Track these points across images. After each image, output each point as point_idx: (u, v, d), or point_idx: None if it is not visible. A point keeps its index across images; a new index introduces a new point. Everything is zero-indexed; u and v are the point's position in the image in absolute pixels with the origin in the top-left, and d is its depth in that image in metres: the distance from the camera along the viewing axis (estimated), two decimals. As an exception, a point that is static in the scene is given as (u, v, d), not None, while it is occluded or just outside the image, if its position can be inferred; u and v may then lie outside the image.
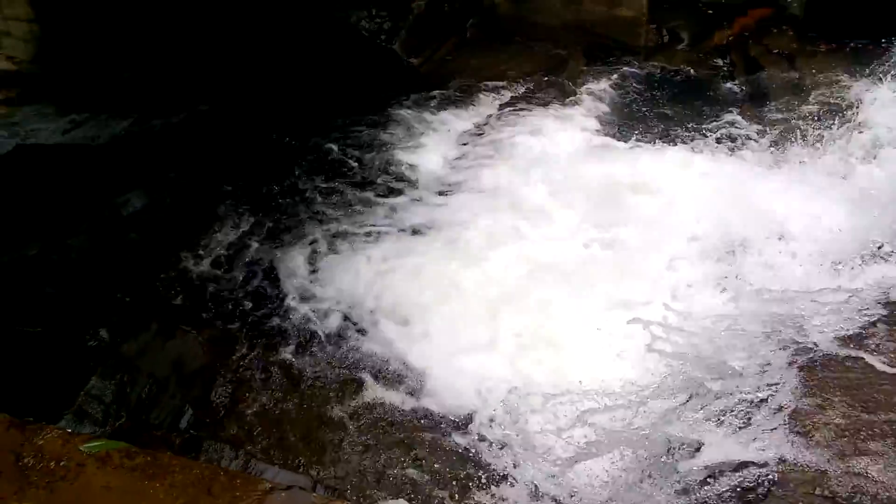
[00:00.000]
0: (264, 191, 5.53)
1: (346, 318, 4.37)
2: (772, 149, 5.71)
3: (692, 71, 7.36)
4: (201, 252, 4.77)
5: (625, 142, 6.11)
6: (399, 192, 5.59)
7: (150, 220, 4.53)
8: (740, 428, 3.26)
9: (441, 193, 5.58)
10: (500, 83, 7.05)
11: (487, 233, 4.98)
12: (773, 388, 3.39)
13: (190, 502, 1.81)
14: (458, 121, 6.58)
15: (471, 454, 3.52)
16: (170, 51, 7.31)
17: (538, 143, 6.06)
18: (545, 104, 6.68)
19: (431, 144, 6.23)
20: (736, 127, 6.17)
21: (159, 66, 7.18)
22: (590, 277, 4.53)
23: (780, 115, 6.22)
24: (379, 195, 5.55)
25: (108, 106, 6.75)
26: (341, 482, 3.33)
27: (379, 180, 5.72)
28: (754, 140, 5.89)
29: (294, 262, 4.86)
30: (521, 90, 6.97)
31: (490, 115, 6.59)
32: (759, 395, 3.39)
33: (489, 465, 3.47)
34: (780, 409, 3.27)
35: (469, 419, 3.69)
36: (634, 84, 7.20)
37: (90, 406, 3.09)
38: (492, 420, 3.66)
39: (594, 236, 4.93)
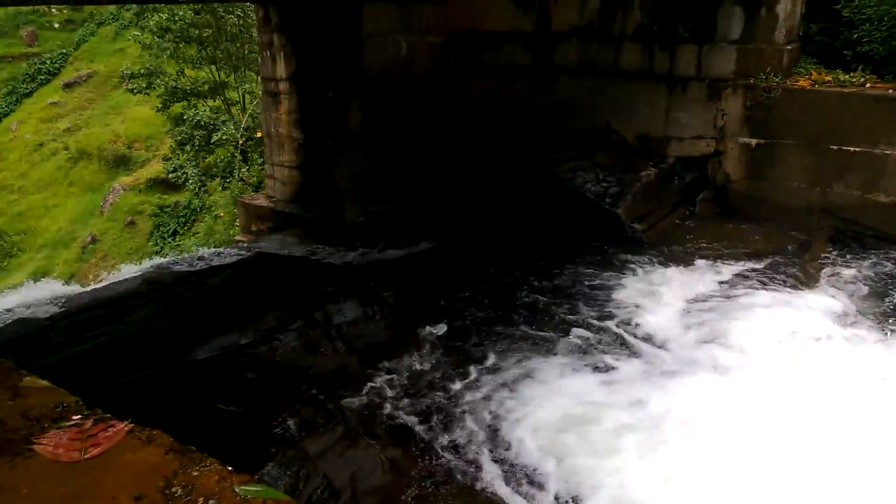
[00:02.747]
0: (475, 327, 5.44)
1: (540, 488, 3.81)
2: None
3: (962, 271, 6.42)
4: (401, 371, 4.68)
5: (876, 338, 5.29)
6: (609, 356, 5.14)
7: (357, 331, 4.60)
8: None
9: (651, 367, 5.00)
10: (729, 259, 6.59)
11: (705, 434, 4.16)
12: None
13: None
14: (680, 292, 6.13)
15: None
16: (405, 198, 7.89)
17: (768, 327, 5.37)
18: (779, 287, 6.05)
19: (649, 310, 5.81)
20: None
21: (390, 211, 7.74)
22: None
23: None
24: (591, 353, 5.16)
25: (342, 242, 7.30)
26: None
27: (591, 336, 5.38)
28: None
29: (493, 404, 4.53)
30: (753, 268, 6.42)
31: (715, 291, 6.08)
32: None
33: None
34: None
35: None
36: (890, 276, 6.37)
37: (261, 492, 2.96)
38: None
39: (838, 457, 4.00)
